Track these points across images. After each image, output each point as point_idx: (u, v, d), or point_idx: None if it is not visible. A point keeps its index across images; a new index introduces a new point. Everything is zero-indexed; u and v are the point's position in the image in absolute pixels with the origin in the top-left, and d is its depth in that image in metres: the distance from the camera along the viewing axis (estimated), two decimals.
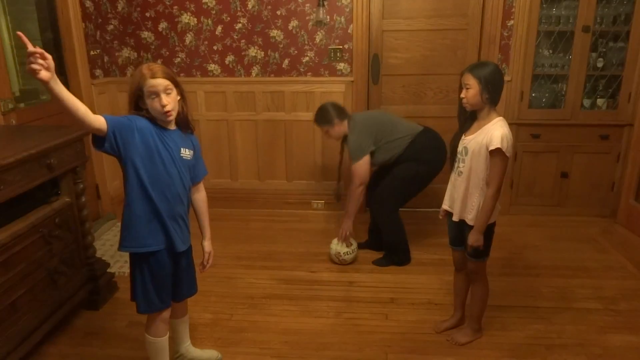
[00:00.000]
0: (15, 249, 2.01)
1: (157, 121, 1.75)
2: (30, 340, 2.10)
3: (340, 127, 2.96)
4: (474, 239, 2.07)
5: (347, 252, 3.03)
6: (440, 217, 2.29)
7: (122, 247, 1.80)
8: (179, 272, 1.92)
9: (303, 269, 3.04)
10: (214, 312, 2.59)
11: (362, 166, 2.91)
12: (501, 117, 2.03)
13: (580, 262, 3.10)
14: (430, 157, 2.97)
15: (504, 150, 1.94)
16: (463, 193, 2.10)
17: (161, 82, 1.69)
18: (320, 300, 2.70)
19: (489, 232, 2.13)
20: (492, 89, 1.97)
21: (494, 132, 1.96)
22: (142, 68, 1.71)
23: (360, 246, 3.27)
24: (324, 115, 2.96)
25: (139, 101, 1.72)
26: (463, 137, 2.11)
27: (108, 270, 2.75)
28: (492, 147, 1.95)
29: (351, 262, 3.08)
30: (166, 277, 1.86)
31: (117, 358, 2.25)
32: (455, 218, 2.17)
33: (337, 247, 3.04)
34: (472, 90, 1.99)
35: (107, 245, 3.33)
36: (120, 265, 3.05)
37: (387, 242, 3.11)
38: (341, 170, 3.23)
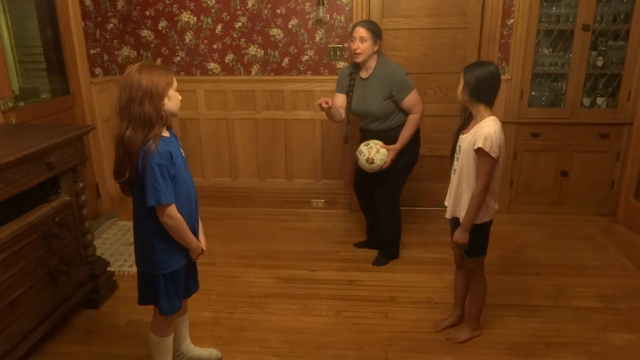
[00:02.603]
0: (15, 247, 2.01)
1: (162, 129, 1.74)
2: (30, 338, 2.11)
3: (373, 48, 2.78)
4: (458, 235, 2.09)
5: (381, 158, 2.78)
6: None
7: (160, 270, 1.80)
8: (189, 269, 1.94)
9: (303, 267, 3.04)
10: (213, 311, 2.59)
11: (417, 96, 2.81)
12: (493, 117, 2.03)
13: (580, 261, 3.10)
14: (417, 137, 2.96)
15: (486, 150, 1.95)
16: (455, 191, 2.13)
17: None
18: (320, 299, 2.70)
19: (483, 230, 2.15)
20: (473, 90, 1.99)
21: (481, 131, 1.98)
22: (157, 68, 1.70)
23: (359, 245, 3.28)
24: (378, 28, 2.80)
25: (162, 100, 1.69)
26: (460, 135, 2.13)
27: (108, 268, 2.75)
28: (475, 147, 1.98)
29: (374, 170, 2.80)
30: (183, 279, 1.90)
31: (117, 356, 2.25)
32: (447, 215, 2.21)
33: (369, 152, 2.78)
34: (459, 87, 2.06)
35: (107, 244, 3.33)
36: (120, 264, 3.05)
37: (387, 237, 3.08)
38: (349, 113, 2.96)
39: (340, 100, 2.97)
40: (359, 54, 2.77)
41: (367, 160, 2.78)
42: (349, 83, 2.92)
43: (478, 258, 2.19)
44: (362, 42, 2.74)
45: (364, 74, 2.88)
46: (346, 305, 2.65)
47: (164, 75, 1.69)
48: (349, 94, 2.92)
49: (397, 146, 2.81)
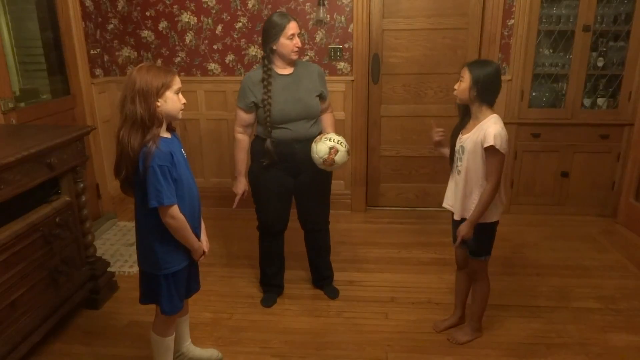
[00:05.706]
0: (15, 248, 2.01)
1: (161, 131, 1.73)
2: (31, 339, 2.11)
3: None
4: (464, 230, 2.08)
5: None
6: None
7: (162, 270, 1.79)
8: (191, 269, 1.94)
9: (303, 267, 3.03)
10: (214, 311, 2.59)
11: None
12: (495, 115, 2.03)
13: (580, 262, 3.10)
14: None
15: (497, 147, 1.95)
16: (462, 192, 2.11)
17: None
18: (320, 300, 2.70)
19: (490, 231, 2.14)
20: (482, 88, 1.98)
21: (488, 129, 1.98)
22: (157, 68, 1.70)
23: (271, 303, 2.70)
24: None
25: (155, 100, 1.68)
26: (460, 135, 2.12)
27: (108, 269, 2.76)
28: (485, 145, 1.98)
29: (340, 165, 2.30)
30: (184, 279, 1.90)
31: (117, 357, 2.25)
32: (456, 217, 2.18)
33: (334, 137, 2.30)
34: (463, 84, 2.02)
35: (108, 245, 3.33)
36: (120, 264, 3.05)
37: (329, 262, 2.83)
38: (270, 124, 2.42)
39: (250, 117, 2.48)
40: (299, 51, 2.39)
41: (348, 152, 2.29)
42: (265, 90, 2.37)
43: (485, 258, 2.19)
44: (299, 37, 2.38)
45: (285, 71, 2.41)
46: (346, 305, 2.65)
47: (162, 76, 1.68)
48: (265, 102, 2.36)
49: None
